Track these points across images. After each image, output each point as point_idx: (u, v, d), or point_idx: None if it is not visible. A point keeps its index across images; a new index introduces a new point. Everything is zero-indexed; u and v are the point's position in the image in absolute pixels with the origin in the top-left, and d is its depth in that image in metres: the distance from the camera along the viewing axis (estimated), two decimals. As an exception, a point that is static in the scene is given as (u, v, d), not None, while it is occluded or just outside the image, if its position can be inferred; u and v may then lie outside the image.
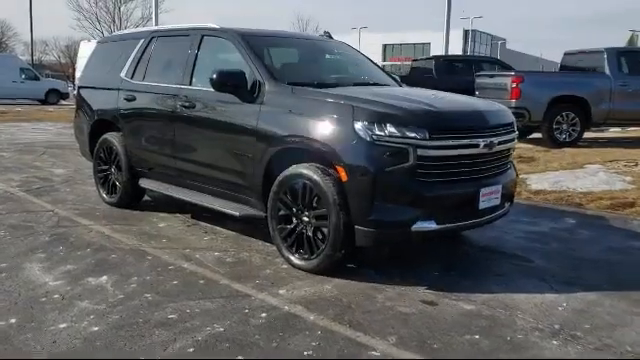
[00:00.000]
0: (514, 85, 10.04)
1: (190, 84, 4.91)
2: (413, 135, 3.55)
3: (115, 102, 5.66)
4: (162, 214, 5.60)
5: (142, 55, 5.55)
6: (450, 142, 3.67)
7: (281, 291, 3.61)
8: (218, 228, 5.10)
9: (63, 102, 28.53)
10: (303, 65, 5.04)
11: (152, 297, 3.49)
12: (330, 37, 5.54)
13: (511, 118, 4.29)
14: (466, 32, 65.26)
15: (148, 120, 5.32)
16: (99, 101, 5.99)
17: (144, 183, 5.49)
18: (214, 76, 4.27)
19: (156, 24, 14.22)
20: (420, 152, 3.55)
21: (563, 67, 12.12)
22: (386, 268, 4.05)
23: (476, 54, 53.67)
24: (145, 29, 5.77)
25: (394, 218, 3.60)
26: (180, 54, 5.10)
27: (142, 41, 5.62)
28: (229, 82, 4.30)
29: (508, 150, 4.23)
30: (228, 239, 4.78)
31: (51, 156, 9.35)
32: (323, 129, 3.81)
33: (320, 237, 3.85)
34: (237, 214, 4.42)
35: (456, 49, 50.40)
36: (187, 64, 4.96)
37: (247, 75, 4.33)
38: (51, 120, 17.07)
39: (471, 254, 4.59)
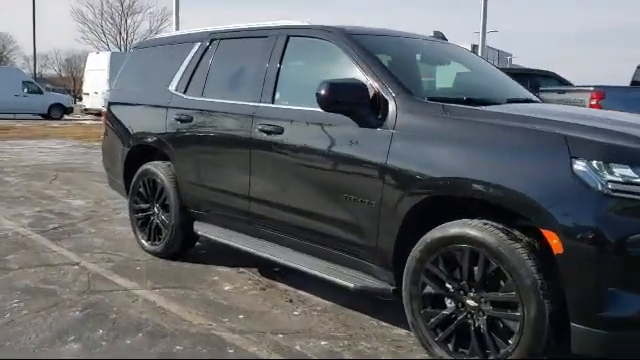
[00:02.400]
0: (594, 102, 8.79)
1: (273, 101, 3.64)
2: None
3: (162, 123, 4.38)
4: (221, 269, 4.31)
5: (199, 63, 4.28)
6: None
7: None
8: (305, 294, 3.81)
9: (67, 117, 27.31)
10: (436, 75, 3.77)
11: None
12: (444, 38, 4.27)
13: None
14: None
15: (210, 147, 4.03)
16: (139, 121, 4.71)
17: (201, 229, 4.19)
18: (323, 91, 3.00)
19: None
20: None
21: (635, 82, 10.91)
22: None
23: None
24: (200, 30, 4.50)
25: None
26: (255, 61, 3.83)
27: (198, 45, 4.36)
28: (345, 98, 3.02)
29: None
30: (327, 314, 3.48)
31: (64, 182, 8.05)
32: (512, 170, 2.53)
33: (501, 333, 2.56)
34: (351, 286, 3.12)
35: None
36: (267, 75, 3.69)
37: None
38: (57, 137, 15.79)
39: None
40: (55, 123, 22.67)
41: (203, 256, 4.64)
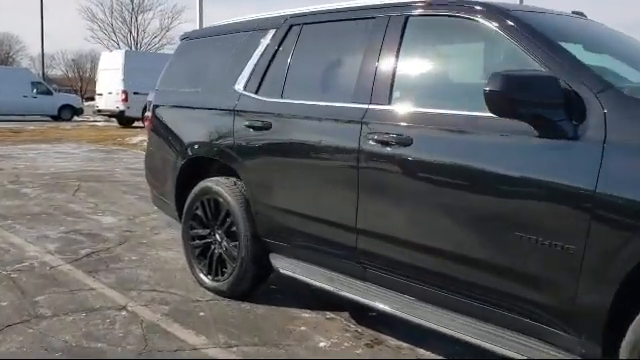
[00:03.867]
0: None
1: (389, 102, 2.74)
2: None
3: (228, 131, 3.50)
4: (305, 314, 3.43)
5: (274, 56, 3.40)
6: None
7: None
8: (426, 353, 2.92)
9: (77, 118, 26.55)
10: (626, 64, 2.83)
11: None
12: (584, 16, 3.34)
13: None
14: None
15: (297, 162, 3.14)
16: (195, 129, 3.83)
17: (282, 265, 3.31)
18: (497, 87, 2.10)
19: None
20: None
21: None
22: None
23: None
24: (273, 14, 3.60)
25: None
26: (359, 51, 2.94)
27: (272, 34, 3.47)
28: (529, 97, 2.12)
29: None
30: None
31: (89, 194, 7.18)
32: None
33: None
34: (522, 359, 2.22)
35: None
36: (379, 68, 2.80)
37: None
38: (72, 140, 14.96)
39: None
40: (67, 125, 21.86)
41: (276, 295, 3.75)
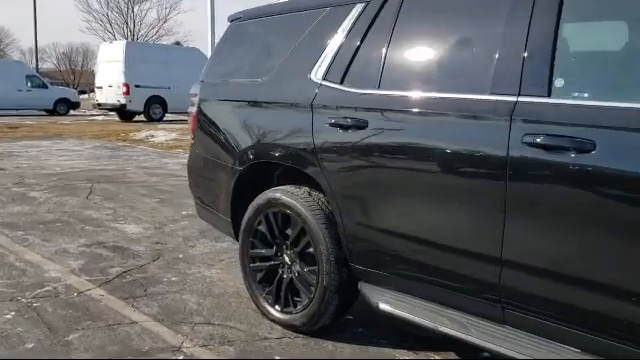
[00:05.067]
0: None
1: (548, 93, 2.07)
2: None
3: (304, 130, 2.83)
4: (404, 356, 2.77)
5: (365, 36, 2.72)
6: None
7: None
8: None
9: (73, 112, 25.74)
10: None
11: None
12: None
13: None
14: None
15: (410, 171, 2.46)
16: (257, 127, 3.15)
17: (379, 297, 2.64)
18: None
19: (212, 26, 11.26)
20: None
21: None
22: None
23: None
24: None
25: None
26: (494, 26, 2.28)
27: (359, 9, 2.79)
28: None
29: None
30: None
31: (104, 197, 6.48)
32: None
33: None
34: None
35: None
36: (532, 45, 2.13)
37: None
38: (73, 136, 14.21)
39: None
40: (65, 120, 21.04)
41: (356, 329, 3.10)
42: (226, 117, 3.37)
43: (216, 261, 4.21)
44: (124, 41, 24.28)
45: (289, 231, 3.04)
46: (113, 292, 3.55)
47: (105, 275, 3.86)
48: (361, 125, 2.59)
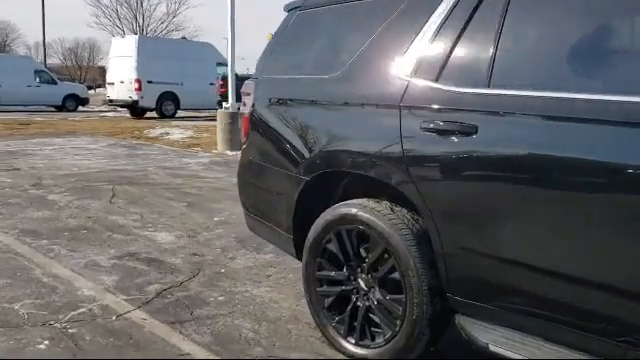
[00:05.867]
0: None
1: None
2: None
3: (389, 135, 2.42)
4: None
5: (467, 25, 2.31)
6: None
7: None
8: None
9: (81, 108, 25.41)
10: None
11: None
12: None
13: None
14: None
15: (540, 188, 2.03)
16: (328, 131, 2.74)
17: (489, 337, 2.22)
18: None
19: (232, 22, 10.79)
20: None
21: None
22: None
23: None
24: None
25: None
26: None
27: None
28: None
29: None
30: None
31: (128, 201, 6.09)
32: None
33: None
34: None
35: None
36: None
37: None
38: (85, 133, 13.85)
39: None
40: (76, 116, 20.67)
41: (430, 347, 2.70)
42: (288, 119, 2.95)
43: (263, 277, 3.82)
44: (136, 36, 23.92)
45: (364, 250, 2.63)
46: (156, 315, 3.15)
47: (144, 294, 3.47)
48: (468, 131, 2.17)
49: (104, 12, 44.54)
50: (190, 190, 6.78)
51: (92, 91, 41.90)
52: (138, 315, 3.16)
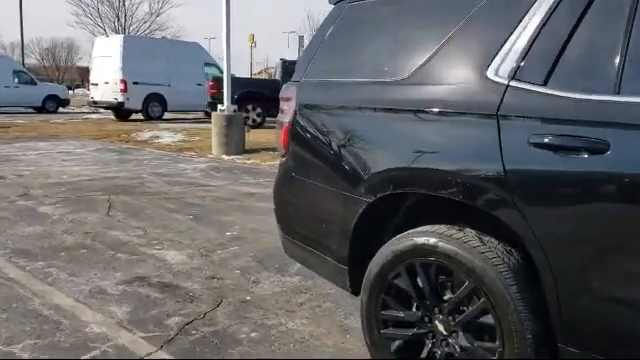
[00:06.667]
0: None
1: None
2: None
3: (486, 151, 1.99)
4: None
5: (584, 13, 1.89)
6: None
7: None
8: None
9: (62, 110, 24.65)
10: None
11: None
12: None
13: None
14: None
15: None
16: (396, 144, 2.30)
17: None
18: None
19: (227, 22, 10.28)
20: None
21: None
22: None
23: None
24: None
25: None
26: None
27: (567, -22, 1.95)
28: None
29: None
30: None
31: (128, 214, 5.58)
32: None
33: None
34: None
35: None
36: None
37: None
38: (70, 137, 13.23)
39: None
40: (58, 118, 19.91)
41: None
42: (342, 129, 2.51)
43: (295, 306, 3.37)
44: (121, 35, 23.23)
45: (443, 288, 2.20)
46: (183, 358, 2.68)
47: (164, 329, 3.00)
48: (597, 147, 1.76)
49: (84, 11, 43.48)
50: (193, 200, 6.29)
51: (71, 92, 40.92)
52: (161, 358, 2.69)
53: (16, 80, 23.93)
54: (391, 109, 2.34)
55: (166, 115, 19.74)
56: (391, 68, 2.40)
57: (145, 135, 13.17)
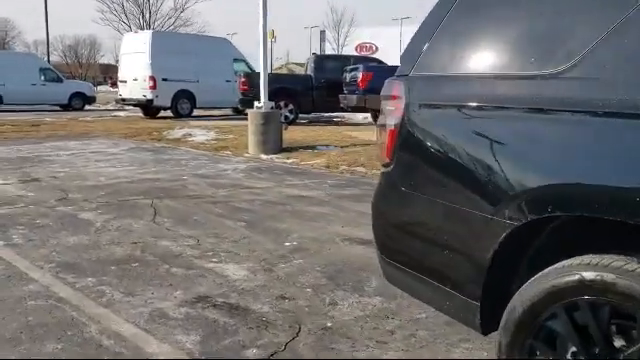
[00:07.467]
0: None
1: None
2: None
3: None
4: None
5: None
6: None
7: None
8: None
9: (88, 107, 24.57)
10: None
11: None
12: None
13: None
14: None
15: None
16: (554, 155, 1.84)
17: None
18: None
19: (264, 15, 9.85)
20: None
21: None
22: None
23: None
24: None
25: None
26: None
27: None
28: None
29: None
30: None
31: (175, 221, 5.20)
32: None
33: None
34: None
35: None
36: None
37: None
38: (101, 135, 12.97)
39: None
40: (86, 116, 19.75)
41: None
42: (474, 135, 2.06)
43: (385, 334, 2.94)
44: (150, 31, 22.96)
45: (618, 334, 1.75)
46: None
47: (244, 367, 2.58)
48: None
49: (109, 7, 43.49)
50: (241, 204, 5.90)
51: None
52: (248, 405, 2.28)
53: (42, 78, 23.92)
54: (546, 110, 1.88)
55: (194, 112, 19.45)
56: (538, 58, 1.94)
57: (177, 133, 12.84)
